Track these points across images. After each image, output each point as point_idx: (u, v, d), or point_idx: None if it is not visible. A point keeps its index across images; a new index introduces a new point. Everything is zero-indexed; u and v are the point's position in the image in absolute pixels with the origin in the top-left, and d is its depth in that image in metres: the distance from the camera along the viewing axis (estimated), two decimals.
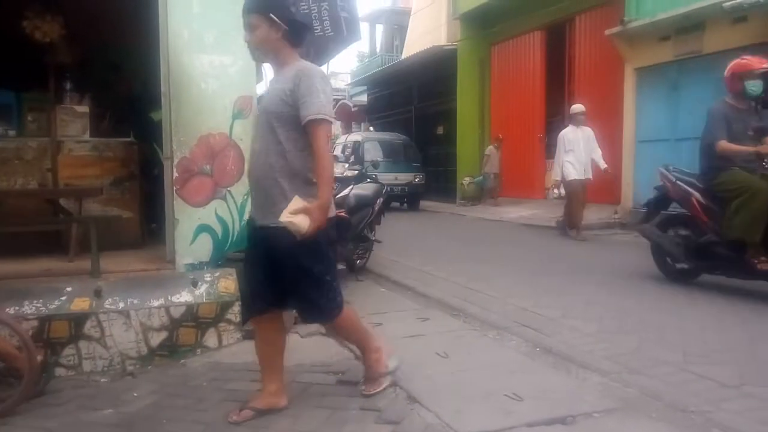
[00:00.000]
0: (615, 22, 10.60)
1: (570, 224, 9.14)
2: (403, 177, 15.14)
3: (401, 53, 21.96)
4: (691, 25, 9.31)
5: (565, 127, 9.34)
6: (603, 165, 8.89)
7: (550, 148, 14.24)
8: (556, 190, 9.80)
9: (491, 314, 4.47)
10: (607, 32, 10.75)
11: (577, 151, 8.75)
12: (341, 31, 5.33)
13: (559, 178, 9.08)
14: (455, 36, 17.01)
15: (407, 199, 15.84)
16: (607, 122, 11.48)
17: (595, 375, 3.19)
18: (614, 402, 2.83)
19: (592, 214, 11.31)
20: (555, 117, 14.08)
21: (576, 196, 8.89)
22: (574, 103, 9.49)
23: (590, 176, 8.93)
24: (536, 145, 14.32)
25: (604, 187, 11.62)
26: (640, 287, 5.49)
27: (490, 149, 14.58)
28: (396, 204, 15.78)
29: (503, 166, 14.91)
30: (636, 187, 10.63)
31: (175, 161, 4.06)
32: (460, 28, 16.71)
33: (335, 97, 24.89)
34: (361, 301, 4.94)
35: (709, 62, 9.13)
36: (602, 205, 11.61)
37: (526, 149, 14.57)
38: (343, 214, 5.26)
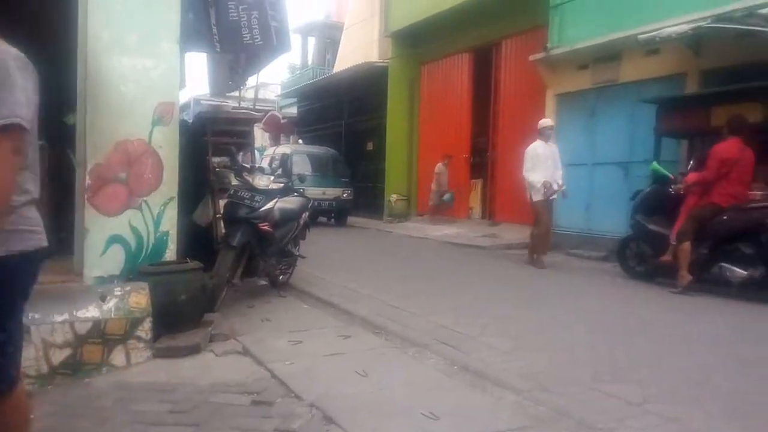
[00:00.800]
0: (539, 49, 11.01)
1: (534, 249, 8.48)
2: (332, 192, 15.00)
3: (333, 67, 21.98)
4: (608, 55, 9.81)
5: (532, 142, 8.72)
6: (562, 186, 8.47)
7: (474, 168, 14.64)
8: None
9: (412, 332, 4.49)
10: (530, 58, 11.15)
11: (545, 168, 8.29)
12: (271, 40, 5.28)
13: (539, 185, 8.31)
14: (386, 53, 17.22)
15: (335, 215, 15.63)
16: (528, 144, 11.86)
17: (509, 393, 3.25)
18: (527, 420, 2.89)
19: (512, 234, 11.68)
20: (481, 138, 14.45)
21: (543, 218, 8.42)
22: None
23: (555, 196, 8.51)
24: (461, 164, 14.63)
25: (522, 207, 12.05)
26: (555, 306, 5.68)
27: (439, 167, 14.50)
28: (323, 219, 15.63)
29: (429, 183, 15.13)
30: (556, 207, 11.04)
31: (89, 167, 3.87)
32: (392, 46, 16.93)
33: (264, 107, 24.58)
34: (282, 318, 4.86)
35: (624, 91, 9.66)
36: (521, 225, 12.00)
37: (452, 169, 14.85)
38: (267, 227, 5.17)
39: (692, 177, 6.66)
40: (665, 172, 7.27)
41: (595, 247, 9.55)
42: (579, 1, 10.39)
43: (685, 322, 5.12)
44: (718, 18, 7.36)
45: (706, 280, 6.42)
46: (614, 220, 8.54)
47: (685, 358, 4.03)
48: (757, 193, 6.54)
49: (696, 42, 8.32)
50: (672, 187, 7.02)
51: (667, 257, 6.67)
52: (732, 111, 6.87)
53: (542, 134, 8.58)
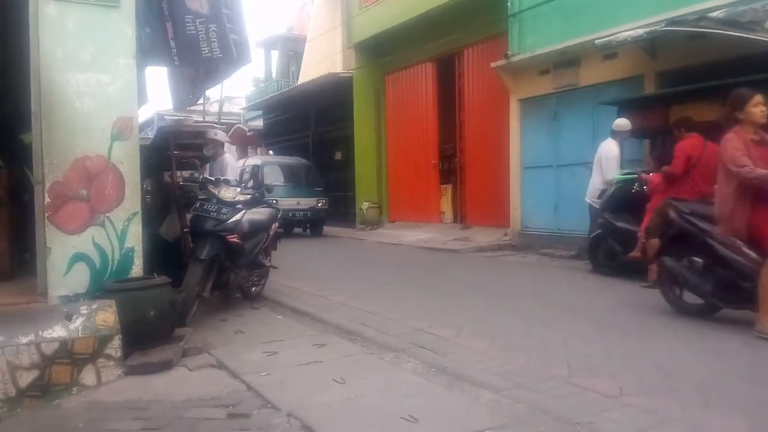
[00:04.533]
0: (500, 56, 11.18)
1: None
2: (305, 202, 14.77)
3: (297, 79, 21.94)
4: (567, 60, 10.02)
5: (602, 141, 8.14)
6: None
7: (444, 174, 14.74)
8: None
9: (388, 337, 4.46)
10: (492, 65, 11.31)
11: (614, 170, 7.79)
12: (231, 53, 5.25)
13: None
14: (350, 64, 17.26)
15: (310, 225, 15.37)
16: (494, 150, 12.06)
17: (487, 392, 3.25)
18: (506, 418, 2.90)
19: (484, 237, 11.78)
20: (448, 144, 14.56)
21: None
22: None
23: None
24: (430, 171, 14.72)
25: (492, 211, 12.17)
26: (528, 305, 5.73)
27: None
28: (299, 230, 15.45)
29: (399, 190, 15.17)
30: (523, 210, 11.18)
31: (47, 185, 3.76)
32: (355, 57, 16.98)
33: (230, 120, 24.38)
34: (256, 330, 4.79)
35: (584, 94, 9.86)
36: (492, 227, 12.12)
37: (421, 175, 14.93)
38: (235, 239, 5.10)
39: (656, 177, 6.82)
40: (630, 176, 7.43)
41: (566, 246, 9.69)
42: (537, 8, 10.60)
43: (656, 314, 5.21)
44: (672, 21, 7.57)
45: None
46: (582, 219, 8.67)
47: (659, 351, 4.09)
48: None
49: (651, 45, 8.55)
50: (636, 184, 7.19)
51: (636, 253, 6.79)
52: (688, 110, 7.08)
53: (620, 135, 7.95)
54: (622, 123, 7.85)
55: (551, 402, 3.09)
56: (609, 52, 9.04)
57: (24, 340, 3.25)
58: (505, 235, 11.45)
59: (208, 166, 7.58)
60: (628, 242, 7.02)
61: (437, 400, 3.17)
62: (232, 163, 8.21)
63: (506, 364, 3.76)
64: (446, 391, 3.33)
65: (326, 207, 15.35)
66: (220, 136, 7.67)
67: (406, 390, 3.30)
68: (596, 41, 8.58)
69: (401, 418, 2.85)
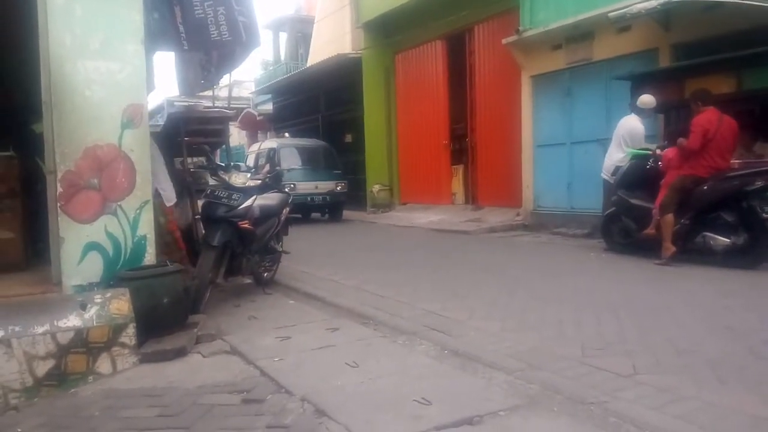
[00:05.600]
0: (511, 32, 11.02)
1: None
2: (324, 185, 14.23)
3: (306, 61, 21.81)
4: (580, 35, 9.85)
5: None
6: None
7: (455, 154, 14.65)
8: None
9: (401, 320, 4.47)
10: (503, 41, 11.16)
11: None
12: (240, 35, 5.20)
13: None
14: (359, 44, 17.12)
15: (329, 209, 14.69)
16: (506, 128, 11.95)
17: (500, 373, 3.25)
18: (519, 399, 2.89)
19: (496, 217, 11.72)
20: (459, 124, 14.44)
21: None
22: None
23: None
24: (441, 151, 14.63)
25: (504, 191, 12.09)
26: (541, 285, 5.70)
27: None
28: (317, 215, 14.97)
29: (410, 172, 15.05)
30: (536, 189, 11.09)
31: (59, 175, 3.78)
32: (364, 37, 16.83)
33: (239, 105, 24.34)
34: (269, 315, 4.81)
35: (599, 69, 9.72)
36: (504, 208, 12.05)
37: (432, 156, 14.85)
38: (247, 225, 5.11)
39: (670, 152, 6.72)
40: (644, 151, 7.32)
41: (579, 224, 9.62)
42: None
43: (670, 292, 5.16)
44: None
45: (690, 251, 6.49)
46: (596, 197, 8.59)
47: (673, 328, 4.05)
48: (736, 162, 6.62)
49: (665, 17, 8.38)
50: (651, 160, 7.09)
51: (650, 230, 6.72)
52: (704, 83, 6.94)
53: (645, 113, 7.81)
54: (648, 100, 7.67)
55: (565, 382, 3.08)
56: (623, 25, 8.87)
57: (40, 330, 3.28)
58: (518, 215, 11.38)
59: (218, 152, 7.59)
60: (642, 219, 6.94)
61: (450, 382, 3.17)
62: None
63: (519, 345, 3.75)
64: (459, 373, 3.32)
65: (345, 191, 14.71)
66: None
67: (419, 372, 3.31)
68: (609, 14, 8.42)
69: (414, 400, 2.85)
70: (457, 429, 2.57)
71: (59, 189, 3.78)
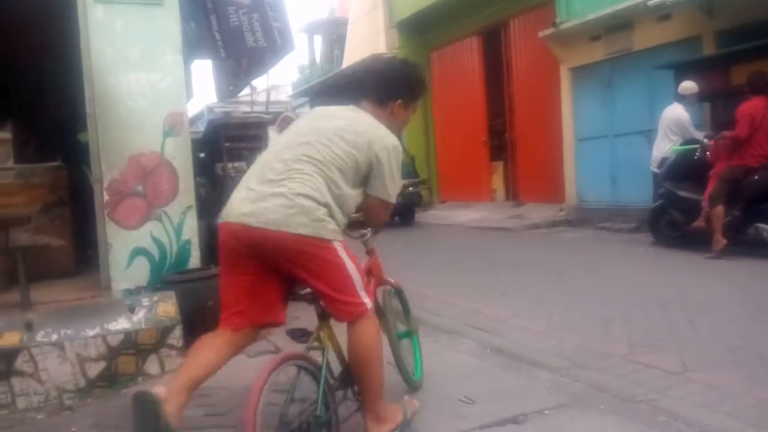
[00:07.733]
0: (548, 24, 10.84)
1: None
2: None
3: (341, 63, 21.93)
4: (619, 24, 9.62)
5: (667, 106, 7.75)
6: None
7: (494, 150, 14.50)
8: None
9: (443, 319, 4.45)
10: (540, 34, 10.99)
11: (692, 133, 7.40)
12: (275, 41, 5.28)
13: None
14: (394, 44, 17.12)
15: (400, 213, 12.22)
16: (546, 123, 11.76)
17: (544, 372, 3.20)
18: (564, 398, 2.84)
19: (538, 213, 11.55)
20: (497, 120, 14.30)
21: None
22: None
23: None
24: (480, 148, 14.51)
25: (546, 186, 11.90)
26: (587, 281, 5.59)
27: None
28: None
29: (448, 170, 14.92)
30: (579, 184, 10.88)
31: (105, 183, 3.90)
32: (398, 36, 16.83)
33: (277, 109, 24.63)
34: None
35: (639, 59, 9.47)
36: (546, 203, 11.86)
37: (470, 153, 14.73)
38: None
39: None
40: (687, 146, 7.09)
41: (625, 218, 9.39)
42: None
43: (721, 286, 5.00)
44: None
45: (741, 243, 6.27)
46: (642, 190, 8.37)
47: (723, 324, 3.92)
48: None
49: (708, 3, 8.11)
50: (698, 150, 6.88)
51: (700, 223, 6.51)
52: (751, 69, 6.68)
53: (687, 99, 7.51)
54: (689, 86, 7.43)
55: (611, 380, 3.02)
56: (663, 12, 8.62)
57: (91, 333, 3.39)
58: (561, 210, 11.19)
59: (257, 156, 7.70)
60: (690, 212, 6.73)
61: (494, 381, 3.14)
62: None
63: (564, 343, 3.69)
64: (503, 372, 3.29)
65: (418, 190, 12.63)
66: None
67: (463, 371, 3.29)
68: (649, 2, 8.22)
69: (458, 399, 2.85)
70: (502, 428, 2.55)
71: (106, 197, 3.90)
